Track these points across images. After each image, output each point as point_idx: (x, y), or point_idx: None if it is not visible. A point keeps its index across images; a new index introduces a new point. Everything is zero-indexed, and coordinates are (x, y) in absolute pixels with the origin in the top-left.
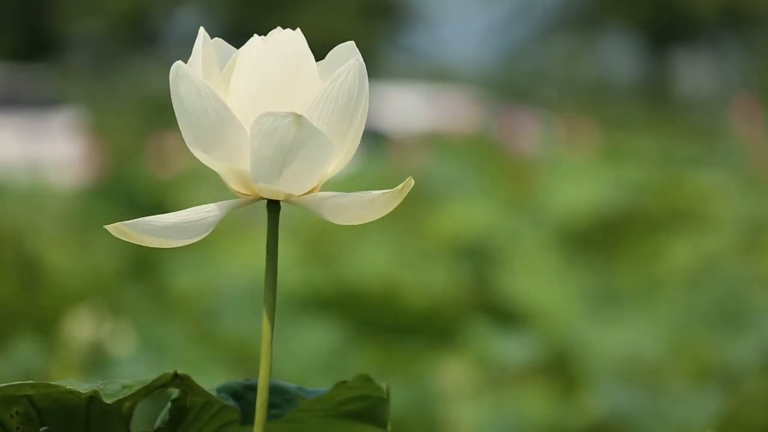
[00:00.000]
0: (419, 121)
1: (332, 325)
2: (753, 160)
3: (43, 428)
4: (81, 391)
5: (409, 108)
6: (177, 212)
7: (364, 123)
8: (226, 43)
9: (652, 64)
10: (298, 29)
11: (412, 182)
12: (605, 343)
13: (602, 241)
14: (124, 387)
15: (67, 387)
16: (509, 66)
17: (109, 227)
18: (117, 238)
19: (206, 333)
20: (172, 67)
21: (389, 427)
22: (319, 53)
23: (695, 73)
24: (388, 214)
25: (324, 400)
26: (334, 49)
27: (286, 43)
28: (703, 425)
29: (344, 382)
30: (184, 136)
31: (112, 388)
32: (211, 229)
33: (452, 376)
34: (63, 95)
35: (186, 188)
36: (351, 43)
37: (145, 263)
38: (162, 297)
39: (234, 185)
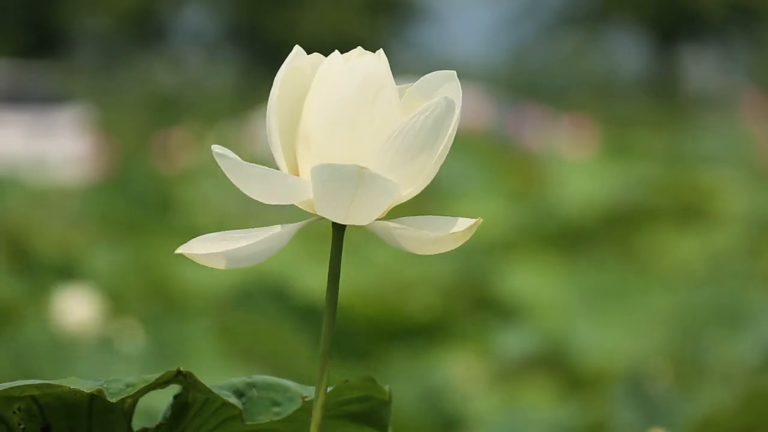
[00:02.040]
0: None
1: (340, 321)
2: (760, 157)
3: (44, 425)
4: (85, 390)
5: None
6: (246, 233)
7: (443, 158)
8: (323, 57)
9: (659, 61)
10: (381, 50)
11: (480, 221)
12: (609, 339)
13: (608, 237)
14: (128, 385)
15: (71, 386)
16: (516, 63)
17: (180, 251)
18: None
19: (219, 330)
20: (215, 155)
21: (390, 430)
22: (325, 49)
23: (702, 69)
24: (395, 210)
25: (326, 400)
26: (430, 74)
27: (368, 64)
28: (705, 423)
29: (346, 381)
30: (242, 188)
31: (115, 387)
32: (277, 251)
33: (455, 371)
34: (69, 92)
35: (192, 184)
36: (452, 73)
37: (151, 259)
38: (170, 293)
39: (303, 207)
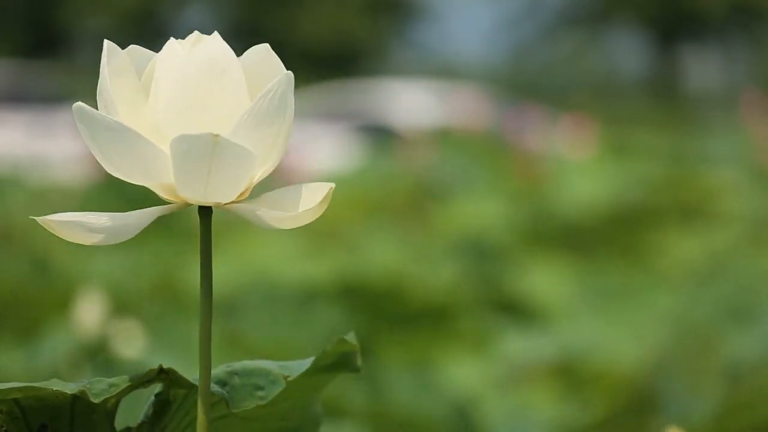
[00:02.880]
0: (427, 118)
1: (339, 320)
2: (761, 156)
3: (41, 423)
4: (67, 392)
5: (417, 104)
6: (110, 215)
7: (291, 129)
8: (143, 49)
9: (660, 61)
10: (216, 33)
11: (332, 191)
12: (614, 340)
13: (609, 237)
14: (111, 386)
15: (54, 388)
16: (516, 63)
17: (38, 219)
18: None
19: (221, 329)
20: (74, 111)
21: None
22: (327, 49)
23: (703, 69)
24: (396, 210)
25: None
26: (250, 50)
27: (209, 49)
28: (709, 420)
29: (324, 351)
30: (102, 165)
31: (98, 387)
32: (134, 234)
33: (458, 372)
34: (70, 92)
35: None
36: (266, 47)
37: (152, 260)
38: (172, 294)
39: (162, 194)
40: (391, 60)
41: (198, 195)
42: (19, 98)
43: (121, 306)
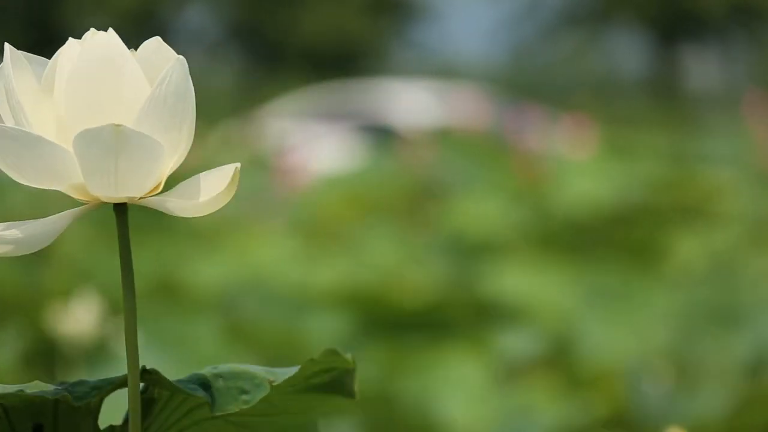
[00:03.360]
0: (427, 118)
1: (338, 320)
2: (761, 156)
3: (35, 424)
4: (48, 396)
5: (417, 104)
6: (22, 223)
7: (195, 117)
8: (35, 55)
9: (660, 60)
10: (111, 29)
11: (238, 171)
12: (612, 339)
13: (609, 237)
14: (94, 388)
15: (35, 393)
16: (517, 62)
17: None
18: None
19: (220, 328)
20: None
21: (357, 396)
22: (328, 49)
23: (704, 69)
24: (396, 210)
25: (293, 379)
26: (143, 44)
27: (104, 46)
28: (709, 421)
29: (312, 359)
30: (9, 175)
31: (81, 390)
32: (50, 241)
33: (455, 371)
34: None
35: None
36: (157, 39)
37: (152, 259)
38: (170, 293)
39: (75, 196)
40: (391, 60)
41: (109, 191)
42: None
43: (118, 305)
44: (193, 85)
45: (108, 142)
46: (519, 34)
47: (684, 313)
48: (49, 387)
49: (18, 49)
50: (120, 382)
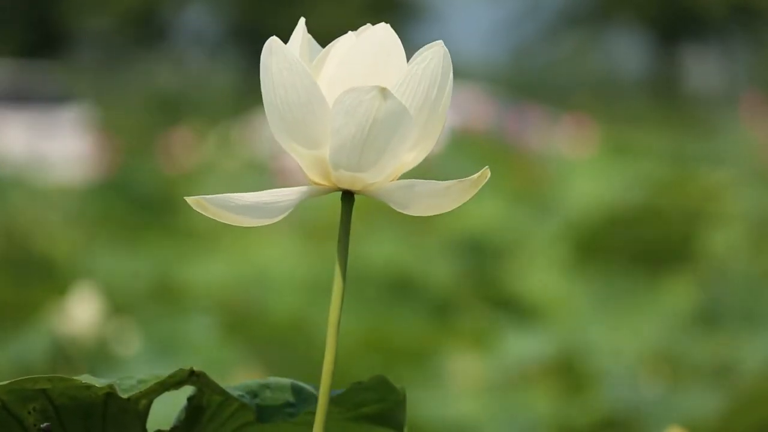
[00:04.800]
0: None
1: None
2: (762, 156)
3: (45, 425)
4: (97, 385)
5: None
6: (257, 193)
7: (446, 117)
8: (315, 41)
9: (661, 60)
10: (388, 25)
11: (488, 173)
12: (614, 339)
13: (611, 238)
14: (140, 382)
15: (84, 382)
16: (517, 62)
17: (189, 200)
18: (124, 234)
19: (221, 328)
20: (267, 43)
21: (405, 430)
22: None
23: (704, 69)
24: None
25: (340, 401)
26: (423, 48)
27: (378, 34)
28: (712, 422)
29: (360, 383)
30: (268, 117)
31: (127, 384)
32: (285, 213)
33: (459, 370)
34: (71, 91)
35: (194, 184)
36: (439, 42)
37: (153, 259)
38: (172, 293)
39: (312, 174)
40: None
41: (350, 168)
42: (20, 98)
43: (118, 305)
44: (193, 86)
45: (370, 104)
46: (519, 34)
47: (685, 313)
48: (96, 379)
49: (18, 49)
50: (167, 382)
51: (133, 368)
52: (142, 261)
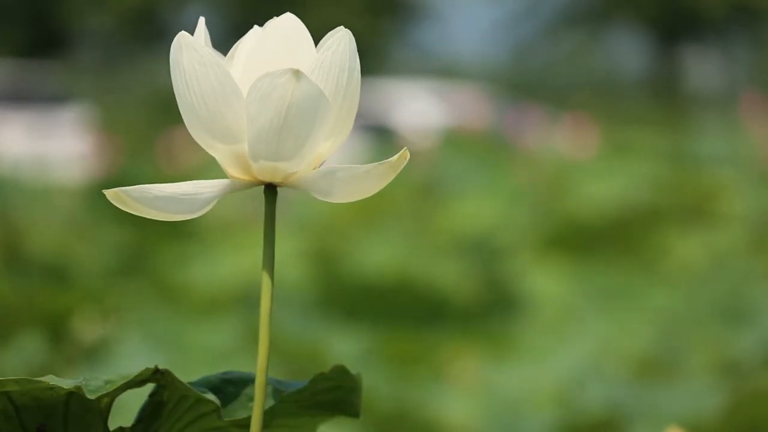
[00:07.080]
0: (428, 118)
1: (339, 319)
2: (761, 156)
3: (40, 424)
4: (63, 386)
5: (418, 104)
6: (177, 183)
7: (357, 101)
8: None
9: (661, 60)
10: (293, 15)
11: (408, 154)
12: (613, 337)
13: (610, 236)
14: (107, 382)
15: (50, 383)
16: (517, 62)
17: (107, 193)
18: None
19: (220, 328)
20: (176, 37)
21: (361, 415)
22: None
23: (703, 69)
24: (398, 209)
25: (301, 393)
26: (327, 34)
27: (284, 25)
28: (710, 419)
29: (322, 373)
30: (184, 115)
31: (94, 384)
32: (206, 208)
33: (461, 368)
34: (71, 91)
35: None
36: (341, 28)
37: (154, 259)
38: (172, 293)
39: (232, 170)
40: (391, 60)
41: (269, 158)
42: (20, 97)
43: (119, 306)
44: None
45: (285, 88)
46: (519, 34)
47: (685, 312)
48: (62, 380)
49: (18, 49)
50: (132, 381)
51: (133, 368)
52: (143, 261)
